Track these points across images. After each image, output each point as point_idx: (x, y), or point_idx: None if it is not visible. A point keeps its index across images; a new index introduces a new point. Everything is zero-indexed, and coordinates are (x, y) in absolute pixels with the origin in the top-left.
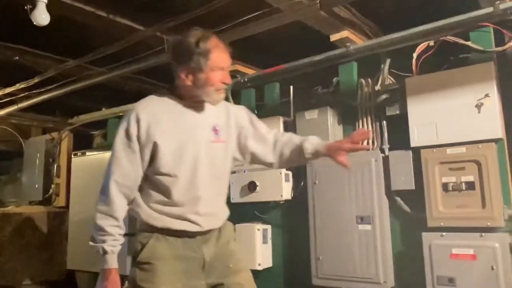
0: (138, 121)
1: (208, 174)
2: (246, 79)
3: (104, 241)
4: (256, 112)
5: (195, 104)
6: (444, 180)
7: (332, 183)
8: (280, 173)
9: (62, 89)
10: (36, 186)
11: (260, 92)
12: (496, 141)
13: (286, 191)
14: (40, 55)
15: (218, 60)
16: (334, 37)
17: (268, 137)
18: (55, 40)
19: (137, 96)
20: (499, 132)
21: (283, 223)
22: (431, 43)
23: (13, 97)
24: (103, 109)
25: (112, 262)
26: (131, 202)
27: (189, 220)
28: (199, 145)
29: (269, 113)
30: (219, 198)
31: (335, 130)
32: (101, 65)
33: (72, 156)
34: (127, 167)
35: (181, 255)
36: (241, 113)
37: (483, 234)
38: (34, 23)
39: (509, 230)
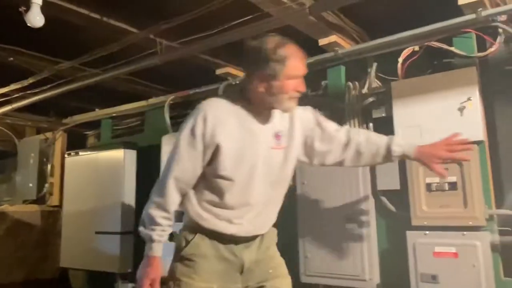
0: (205, 121)
1: (263, 181)
2: (237, 81)
3: (153, 230)
4: None
5: (263, 110)
6: (428, 180)
7: (320, 183)
8: None
9: (56, 89)
10: (30, 185)
11: None
12: (478, 143)
13: None
14: (35, 56)
15: (294, 68)
16: (322, 42)
17: (338, 136)
18: (50, 41)
19: (130, 97)
20: (480, 134)
21: None
22: (416, 48)
23: (8, 98)
24: (97, 109)
25: (158, 250)
26: (183, 196)
27: (236, 225)
28: (258, 151)
29: None
30: (270, 206)
31: None
32: (95, 67)
33: (66, 156)
34: (188, 165)
35: (222, 257)
36: (306, 116)
37: (465, 233)
38: (29, 25)
39: (490, 229)
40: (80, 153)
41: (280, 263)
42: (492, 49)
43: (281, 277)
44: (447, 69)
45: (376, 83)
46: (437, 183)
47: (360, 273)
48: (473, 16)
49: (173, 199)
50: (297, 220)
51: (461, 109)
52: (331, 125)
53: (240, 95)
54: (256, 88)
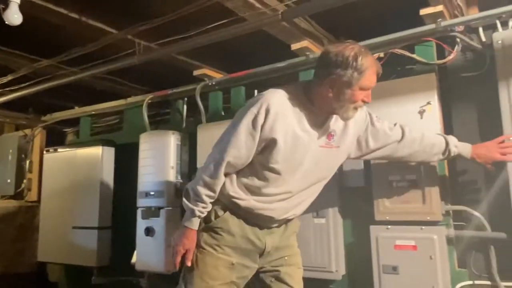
0: (267, 113)
1: (307, 176)
2: (213, 82)
3: (196, 205)
4: (223, 113)
5: (323, 113)
6: (390, 178)
7: None
8: None
9: (35, 87)
10: (8, 181)
11: (227, 95)
12: None
13: None
14: (14, 54)
15: (370, 80)
16: (294, 46)
17: (393, 133)
18: (29, 39)
19: (109, 95)
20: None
21: None
22: (381, 54)
23: None
24: (76, 107)
25: (196, 224)
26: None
27: (272, 210)
28: (308, 149)
29: (235, 114)
30: (307, 199)
31: None
32: (73, 65)
33: (44, 152)
34: (243, 152)
35: (247, 238)
36: (361, 116)
37: (423, 227)
38: (6, 23)
39: (446, 224)
40: (59, 149)
41: (296, 253)
42: (450, 57)
43: (295, 266)
44: (409, 74)
45: None
46: (399, 180)
47: (327, 265)
48: (433, 26)
49: (221, 181)
50: None
51: (421, 112)
52: (385, 124)
53: (303, 94)
54: (324, 92)
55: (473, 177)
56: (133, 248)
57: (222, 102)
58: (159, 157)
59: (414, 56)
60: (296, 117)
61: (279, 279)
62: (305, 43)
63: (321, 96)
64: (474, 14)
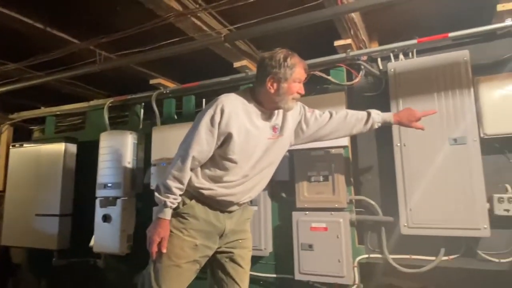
0: (222, 112)
1: (259, 164)
2: (168, 91)
3: (168, 197)
4: (175, 117)
5: (268, 109)
6: (309, 174)
7: None
8: None
9: (3, 88)
10: None
11: (179, 102)
12: (343, 147)
13: None
14: None
15: (300, 73)
16: (236, 64)
17: (323, 117)
18: None
19: (73, 98)
20: (346, 141)
21: None
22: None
23: None
24: (42, 107)
25: (168, 214)
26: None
27: (233, 195)
28: (259, 141)
29: (186, 119)
30: (261, 182)
31: None
32: (39, 69)
33: (11, 147)
34: (205, 147)
35: (209, 221)
36: (296, 110)
37: (332, 212)
38: None
39: (350, 210)
40: (25, 145)
41: (249, 238)
42: (356, 80)
43: (246, 249)
44: (325, 92)
45: None
46: (315, 175)
47: (258, 244)
48: (343, 55)
49: (188, 174)
50: None
51: None
52: (316, 112)
53: (250, 96)
54: (267, 90)
55: (371, 175)
56: (91, 233)
57: (175, 108)
58: (117, 154)
59: (329, 77)
60: (246, 115)
61: (232, 260)
62: (244, 62)
63: (265, 94)
64: (374, 47)
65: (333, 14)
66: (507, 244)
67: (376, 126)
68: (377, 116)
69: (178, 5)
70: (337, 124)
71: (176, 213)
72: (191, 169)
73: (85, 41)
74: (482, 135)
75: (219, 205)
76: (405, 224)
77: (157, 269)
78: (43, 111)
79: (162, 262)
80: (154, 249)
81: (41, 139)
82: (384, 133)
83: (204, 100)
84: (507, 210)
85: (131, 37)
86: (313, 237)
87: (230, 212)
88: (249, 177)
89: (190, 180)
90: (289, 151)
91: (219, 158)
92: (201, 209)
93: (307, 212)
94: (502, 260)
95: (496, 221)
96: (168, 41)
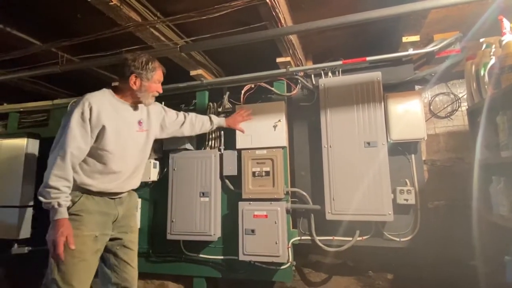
0: (91, 108)
1: (133, 154)
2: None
3: (58, 198)
4: None
5: (132, 103)
6: (253, 169)
7: (186, 169)
8: (150, 162)
9: None
10: None
11: None
12: (282, 147)
13: (153, 175)
14: None
15: (159, 76)
16: (192, 72)
17: (179, 118)
18: None
19: (36, 96)
20: (285, 142)
21: (150, 197)
22: (253, 85)
23: None
24: (5, 104)
25: (65, 213)
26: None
27: (114, 185)
28: (129, 132)
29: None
30: (137, 170)
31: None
32: (1, 67)
33: None
34: (81, 142)
35: (103, 211)
36: (158, 108)
37: (272, 202)
38: None
39: (286, 200)
40: None
41: (136, 222)
42: (294, 92)
43: (135, 233)
44: (268, 100)
45: (228, 105)
46: (259, 171)
47: (208, 231)
48: (284, 70)
49: (70, 170)
50: (167, 195)
51: (274, 126)
52: (173, 113)
53: (115, 93)
54: (131, 86)
55: (304, 171)
56: None
57: None
58: None
59: (272, 89)
60: (113, 109)
61: (124, 246)
62: (200, 71)
63: (129, 89)
64: (309, 65)
65: (274, 35)
66: (406, 226)
67: (214, 127)
68: (215, 120)
69: (138, 16)
70: (189, 125)
71: (69, 213)
72: (75, 166)
73: (47, 43)
74: (389, 140)
75: (107, 195)
76: (329, 211)
77: (63, 271)
78: (6, 107)
79: (67, 262)
80: (61, 250)
81: (3, 134)
82: (315, 137)
83: (163, 103)
84: (406, 200)
85: (93, 42)
86: (255, 223)
87: (120, 198)
88: (127, 167)
89: (74, 179)
90: (237, 150)
91: (96, 151)
92: (92, 202)
93: (251, 202)
94: (402, 239)
95: (398, 208)
96: (130, 48)
